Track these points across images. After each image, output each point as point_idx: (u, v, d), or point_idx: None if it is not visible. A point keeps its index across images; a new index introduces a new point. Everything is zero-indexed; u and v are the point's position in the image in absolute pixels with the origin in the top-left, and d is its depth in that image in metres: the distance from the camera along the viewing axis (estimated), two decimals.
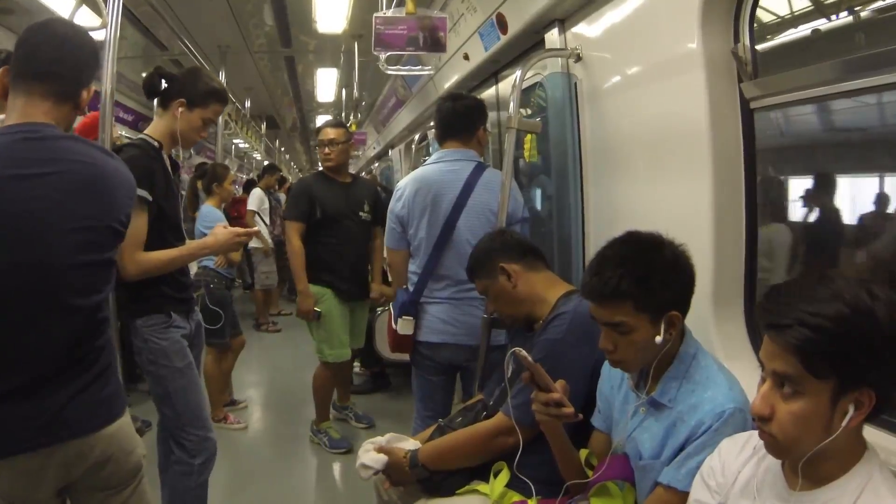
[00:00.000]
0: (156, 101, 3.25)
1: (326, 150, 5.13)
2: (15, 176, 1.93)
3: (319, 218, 5.04)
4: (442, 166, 3.74)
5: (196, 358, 3.36)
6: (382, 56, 3.59)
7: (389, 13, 3.47)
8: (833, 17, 2.43)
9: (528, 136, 3.69)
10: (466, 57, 5.13)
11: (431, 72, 4.09)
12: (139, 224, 2.83)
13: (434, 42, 3.39)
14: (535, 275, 2.80)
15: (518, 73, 3.41)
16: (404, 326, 3.73)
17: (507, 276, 2.76)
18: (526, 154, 3.76)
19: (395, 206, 3.79)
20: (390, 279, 4.41)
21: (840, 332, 1.35)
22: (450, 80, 5.97)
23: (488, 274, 2.81)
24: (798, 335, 1.36)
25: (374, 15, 3.48)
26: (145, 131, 3.22)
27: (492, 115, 5.08)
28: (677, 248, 2.03)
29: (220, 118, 5.86)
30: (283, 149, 21.84)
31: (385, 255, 4.25)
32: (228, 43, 7.43)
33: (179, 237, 3.18)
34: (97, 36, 3.27)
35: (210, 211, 5.67)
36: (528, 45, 4.29)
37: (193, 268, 4.75)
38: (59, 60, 2.07)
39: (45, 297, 2.00)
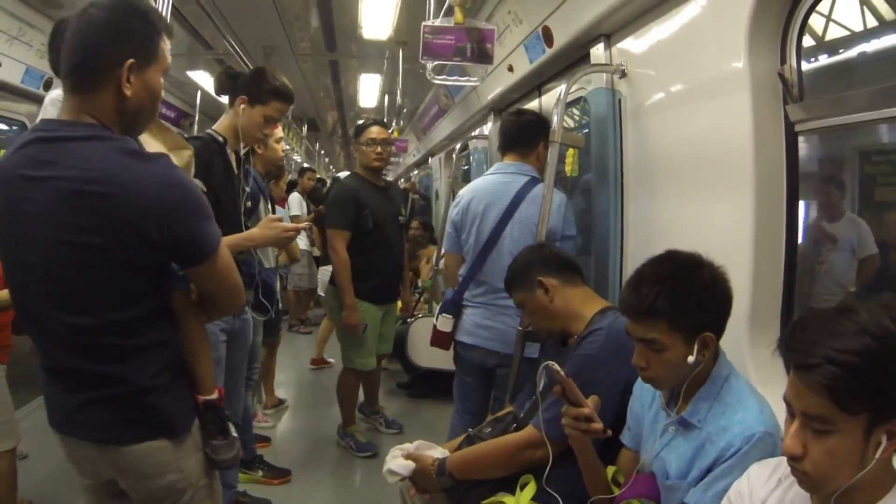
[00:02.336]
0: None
1: (379, 149, 5.00)
2: (22, 176, 1.87)
3: (369, 226, 4.87)
4: (498, 177, 3.89)
5: (237, 354, 3.38)
6: (429, 65, 3.58)
7: (437, 22, 3.47)
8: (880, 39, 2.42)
9: (571, 151, 3.68)
10: (511, 69, 5.13)
11: (478, 82, 4.07)
12: None
13: (481, 53, 3.39)
14: (572, 290, 2.80)
15: (563, 87, 3.41)
16: (443, 323, 3.99)
17: (544, 290, 2.77)
18: (567, 168, 3.76)
19: (453, 212, 4.03)
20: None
21: (870, 367, 1.33)
22: (493, 92, 5.98)
23: (526, 287, 2.83)
24: (827, 374, 1.33)
25: (423, 24, 3.48)
26: (213, 127, 3.34)
27: None
28: (716, 269, 2.03)
29: None
30: (322, 151, 21.95)
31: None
32: (273, 44, 7.48)
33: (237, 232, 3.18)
34: None
35: None
36: (572, 60, 4.28)
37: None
38: (71, 52, 1.87)
39: (33, 301, 1.98)
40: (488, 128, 6.81)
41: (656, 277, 2.01)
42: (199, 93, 9.07)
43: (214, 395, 2.25)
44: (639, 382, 2.31)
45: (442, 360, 4.75)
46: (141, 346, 2.00)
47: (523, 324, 3.35)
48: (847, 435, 1.36)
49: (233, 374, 3.56)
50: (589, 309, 2.74)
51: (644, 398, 2.30)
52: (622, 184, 3.53)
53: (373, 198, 4.96)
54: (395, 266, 5.17)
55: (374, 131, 5.03)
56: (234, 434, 2.28)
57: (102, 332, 1.94)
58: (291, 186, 9.25)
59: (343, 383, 5.29)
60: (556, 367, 2.09)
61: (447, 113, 8.83)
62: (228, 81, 3.42)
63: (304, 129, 15.14)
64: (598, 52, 3.72)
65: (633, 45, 3.45)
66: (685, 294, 1.97)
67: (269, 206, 4.31)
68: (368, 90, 10.12)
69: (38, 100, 6.30)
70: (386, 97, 10.03)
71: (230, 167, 3.19)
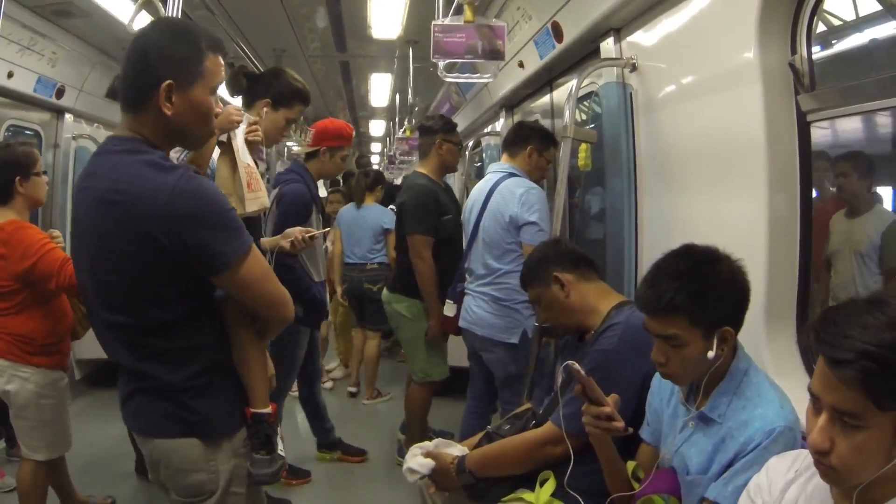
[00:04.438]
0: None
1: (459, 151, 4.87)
2: (80, 185, 2.09)
3: (449, 232, 4.64)
4: (486, 177, 4.29)
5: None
6: (441, 63, 3.57)
7: (448, 21, 3.46)
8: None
9: (583, 146, 3.69)
10: (521, 65, 5.14)
11: (490, 79, 4.05)
12: None
13: (493, 50, 3.37)
14: (587, 285, 2.80)
15: (574, 82, 3.41)
16: (448, 309, 4.45)
17: (560, 286, 2.76)
18: (580, 163, 3.77)
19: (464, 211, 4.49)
20: None
21: None
22: (504, 88, 6.00)
23: (541, 282, 2.82)
24: (862, 369, 1.31)
25: (433, 23, 3.47)
26: None
27: (546, 124, 5.05)
28: (734, 263, 2.02)
29: None
30: None
31: None
32: (284, 46, 7.49)
33: (259, 235, 3.16)
34: None
35: None
36: (583, 54, 4.28)
37: None
38: (123, 74, 2.03)
39: (88, 297, 2.14)
40: (500, 124, 6.81)
41: (674, 273, 2.01)
42: None
43: (266, 410, 2.25)
44: (657, 377, 2.30)
45: (457, 358, 4.85)
46: (175, 347, 2.07)
47: (540, 320, 3.35)
48: (877, 430, 1.34)
49: None
50: (605, 304, 2.74)
51: (662, 393, 2.29)
52: (636, 177, 3.53)
53: (447, 200, 4.73)
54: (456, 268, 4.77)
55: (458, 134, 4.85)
56: (281, 452, 2.30)
57: (136, 331, 2.04)
58: None
59: (417, 400, 4.87)
60: (577, 366, 2.08)
61: (459, 110, 8.83)
62: (243, 82, 3.42)
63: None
64: (608, 46, 3.71)
65: (643, 38, 3.45)
66: (704, 289, 1.97)
67: (322, 216, 4.40)
68: (379, 89, 10.13)
69: (51, 108, 6.36)
70: (397, 96, 10.02)
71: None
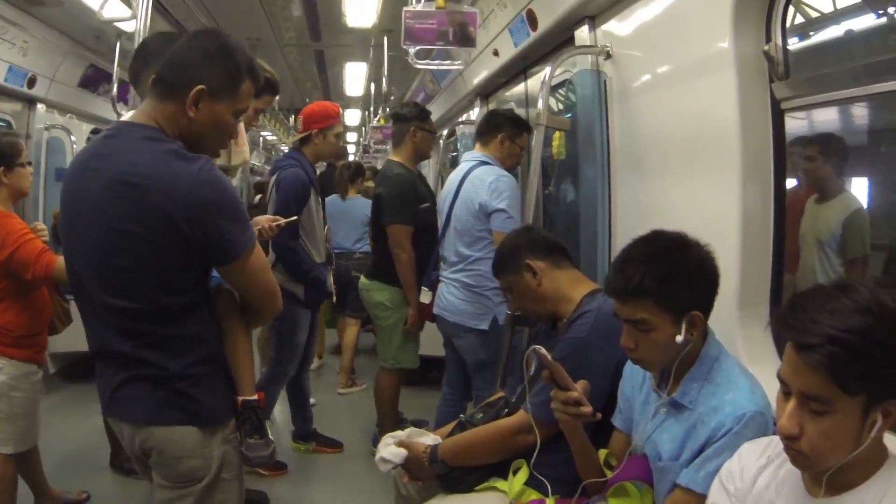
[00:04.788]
0: None
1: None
2: (85, 167, 2.11)
3: (427, 220, 4.62)
4: (459, 166, 4.29)
5: None
6: (412, 50, 3.54)
7: (419, 7, 3.44)
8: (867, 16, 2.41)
9: (557, 134, 3.68)
10: (496, 53, 5.12)
11: (461, 66, 4.04)
12: None
13: (464, 37, 3.36)
14: (560, 272, 2.78)
15: (547, 70, 3.39)
16: (423, 296, 4.50)
17: (532, 273, 2.74)
18: (554, 151, 3.76)
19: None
20: None
21: (870, 347, 1.32)
22: (479, 76, 5.97)
23: (514, 270, 2.79)
24: (828, 353, 1.32)
25: (404, 9, 3.45)
26: None
27: (520, 113, 5.04)
28: (703, 248, 2.02)
29: None
30: None
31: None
32: (258, 36, 7.44)
33: None
34: (127, 27, 3.32)
35: None
36: (557, 42, 4.26)
37: None
38: (163, 65, 2.11)
39: (84, 281, 2.14)
40: (475, 113, 6.78)
41: (642, 257, 2.00)
42: None
43: (254, 397, 2.34)
44: (629, 364, 2.29)
45: (431, 347, 4.92)
46: (176, 335, 2.12)
47: (512, 308, 3.35)
48: (845, 415, 1.36)
49: None
50: (578, 291, 2.72)
51: (634, 380, 2.29)
52: (609, 166, 3.52)
53: (423, 189, 4.73)
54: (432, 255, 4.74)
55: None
56: (271, 436, 2.38)
57: (140, 316, 2.07)
58: None
59: (387, 388, 4.86)
60: (544, 351, 2.07)
61: (434, 99, 8.78)
62: None
63: (292, 119, 15.10)
64: (582, 34, 3.70)
65: (618, 26, 3.44)
66: (672, 273, 1.96)
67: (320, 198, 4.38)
68: (354, 78, 10.12)
69: (22, 98, 6.26)
70: (372, 85, 9.97)
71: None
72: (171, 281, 2.08)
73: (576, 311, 2.64)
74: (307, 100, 12.50)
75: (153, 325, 2.09)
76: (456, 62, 4.00)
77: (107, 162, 2.04)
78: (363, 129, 15.51)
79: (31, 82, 6.13)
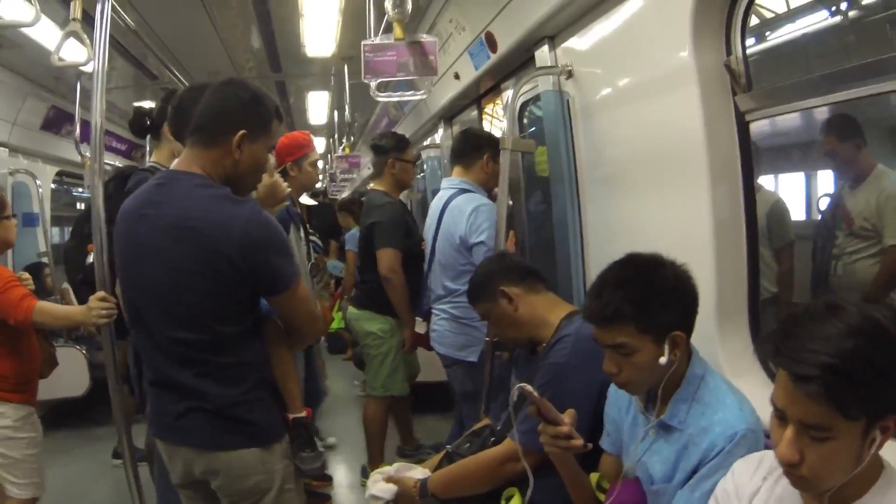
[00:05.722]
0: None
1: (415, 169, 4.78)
2: (140, 213, 2.33)
3: (416, 250, 4.60)
4: (438, 194, 4.27)
5: None
6: (373, 84, 3.50)
7: (377, 40, 3.40)
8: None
9: (541, 149, 3.68)
10: (457, 76, 5.13)
11: (424, 95, 3.98)
12: None
13: (425, 66, 3.30)
14: (536, 297, 2.77)
15: (510, 93, 3.39)
16: (417, 326, 4.60)
17: (507, 300, 2.73)
18: (537, 167, 3.76)
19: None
20: None
21: (867, 371, 1.30)
22: (442, 100, 5.97)
23: (489, 297, 2.78)
24: (826, 384, 1.29)
25: (363, 42, 3.40)
26: (153, 159, 3.30)
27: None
28: (679, 268, 2.02)
29: None
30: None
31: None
32: (218, 69, 7.34)
33: None
34: (86, 69, 3.29)
35: None
36: (518, 63, 4.28)
37: None
38: (201, 115, 2.33)
39: (146, 316, 2.35)
40: (439, 136, 6.80)
41: (617, 281, 2.00)
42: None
43: (302, 414, 2.56)
44: (612, 387, 2.27)
45: (432, 373, 4.98)
46: (231, 363, 2.33)
47: (490, 334, 3.32)
48: (845, 438, 1.34)
49: None
50: (555, 315, 2.71)
51: (620, 402, 2.27)
52: (577, 184, 3.52)
53: (410, 220, 4.77)
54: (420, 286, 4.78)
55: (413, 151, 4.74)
56: (321, 448, 2.60)
57: (200, 346, 2.29)
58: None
59: (377, 419, 4.80)
60: (530, 388, 2.04)
61: (398, 124, 8.78)
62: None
63: None
64: (542, 54, 3.70)
65: (578, 44, 3.44)
66: (648, 295, 1.95)
67: (303, 233, 4.16)
68: (317, 108, 10.05)
69: None
70: (335, 113, 9.93)
71: None
72: (228, 312, 2.29)
73: (554, 336, 2.63)
74: None
75: (211, 354, 2.30)
76: (419, 92, 3.93)
77: (160, 209, 2.28)
78: (328, 157, 15.43)
79: None
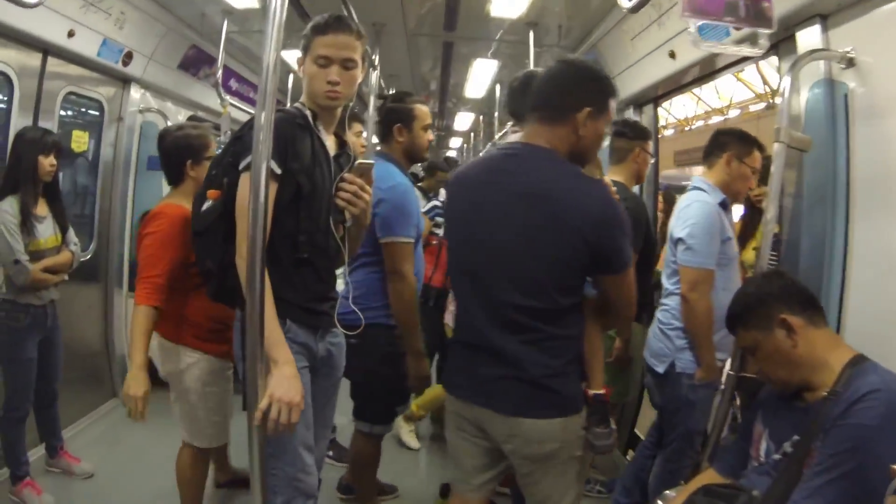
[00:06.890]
0: None
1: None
2: (485, 180, 2.53)
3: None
4: None
5: (324, 384, 2.84)
6: (692, 27, 2.71)
7: None
8: None
9: None
10: (672, 55, 4.51)
11: (758, 53, 3.00)
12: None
13: (758, 15, 2.62)
14: (817, 332, 2.28)
15: (786, 78, 2.82)
16: None
17: (787, 331, 2.25)
18: None
19: None
20: None
21: None
22: (643, 81, 5.26)
23: (763, 326, 2.32)
24: None
25: None
26: (301, 99, 2.73)
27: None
28: None
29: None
30: None
31: None
32: (384, 21, 6.81)
33: (318, 231, 2.64)
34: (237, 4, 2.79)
35: None
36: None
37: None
38: (545, 91, 2.50)
39: (483, 280, 2.49)
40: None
41: None
42: (290, 76, 8.02)
43: (602, 391, 2.58)
44: None
45: None
46: (557, 334, 2.45)
47: (751, 370, 2.71)
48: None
49: (317, 411, 2.79)
50: (836, 357, 2.21)
51: None
52: (848, 199, 2.90)
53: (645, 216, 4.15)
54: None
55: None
56: (614, 426, 2.59)
57: (536, 314, 2.41)
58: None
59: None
60: None
61: None
62: None
63: None
64: (808, 36, 3.08)
65: (863, 27, 2.83)
66: None
67: None
68: (479, 78, 9.28)
69: (116, 76, 5.79)
70: (497, 87, 9.28)
71: (322, 148, 2.64)
72: (569, 283, 2.42)
73: (840, 385, 2.11)
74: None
75: (544, 322, 2.42)
76: (752, 48, 2.97)
77: (513, 177, 2.44)
78: (471, 135, 14.88)
79: (127, 59, 5.61)
